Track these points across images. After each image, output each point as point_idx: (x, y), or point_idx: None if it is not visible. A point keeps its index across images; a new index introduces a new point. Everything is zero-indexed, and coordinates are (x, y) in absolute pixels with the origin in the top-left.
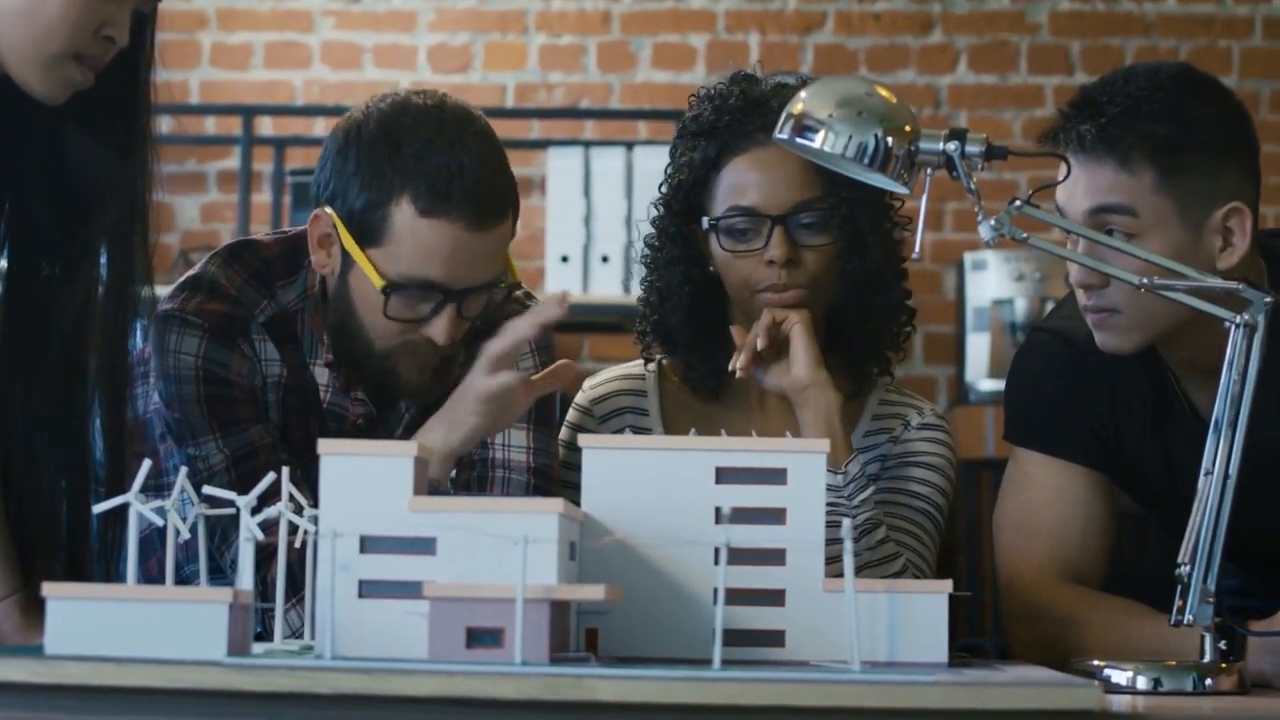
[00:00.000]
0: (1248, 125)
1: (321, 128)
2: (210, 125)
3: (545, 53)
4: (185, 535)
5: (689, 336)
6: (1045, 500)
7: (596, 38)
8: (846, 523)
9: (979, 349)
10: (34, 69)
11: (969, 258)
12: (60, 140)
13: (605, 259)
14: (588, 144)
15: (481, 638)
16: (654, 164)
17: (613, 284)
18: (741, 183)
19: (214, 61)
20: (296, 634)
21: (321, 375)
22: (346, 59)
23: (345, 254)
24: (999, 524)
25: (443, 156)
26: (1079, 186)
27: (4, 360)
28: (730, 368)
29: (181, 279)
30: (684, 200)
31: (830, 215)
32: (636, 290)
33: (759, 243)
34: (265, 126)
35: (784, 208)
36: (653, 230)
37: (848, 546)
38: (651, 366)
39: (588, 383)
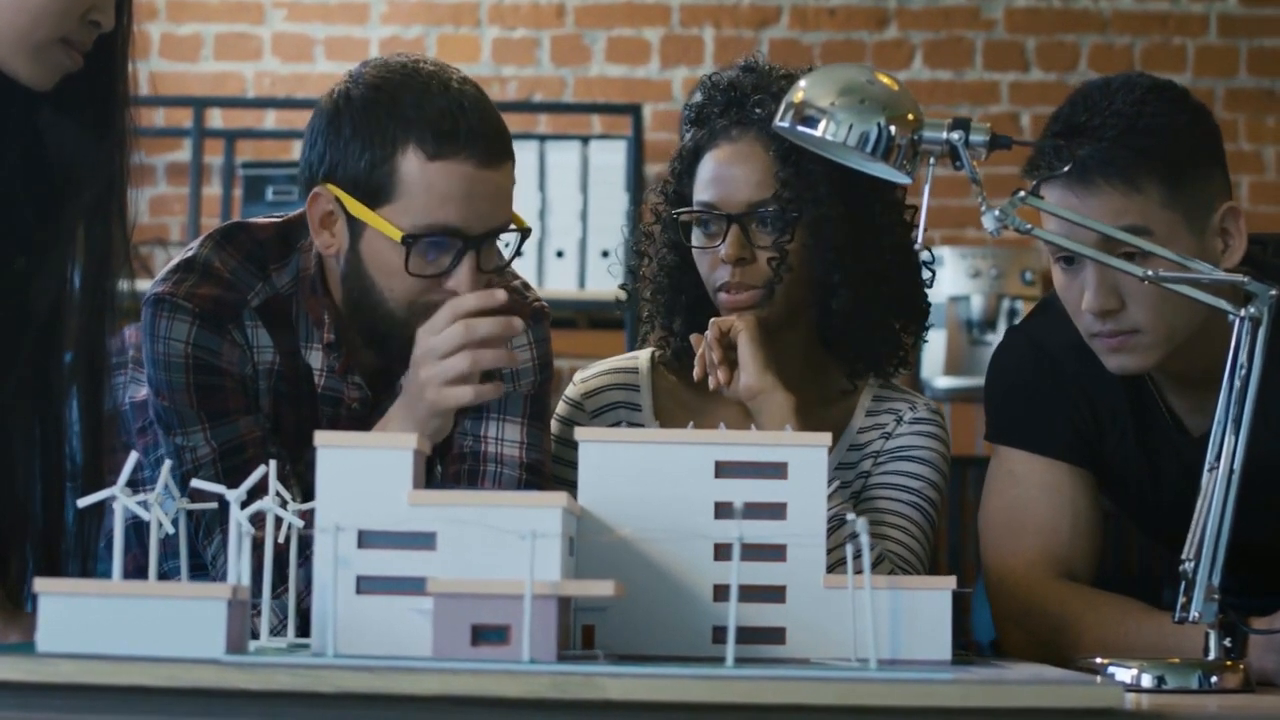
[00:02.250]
0: (1214, 122)
1: (273, 120)
2: (159, 117)
3: (498, 46)
4: (169, 530)
5: (681, 323)
6: (1032, 497)
7: (550, 31)
8: (861, 520)
9: (935, 346)
10: (23, 56)
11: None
12: (36, 122)
13: (560, 254)
14: (542, 138)
15: (487, 635)
16: (609, 158)
17: (568, 279)
18: (708, 178)
19: (164, 53)
20: (273, 631)
21: (316, 359)
22: (298, 51)
23: (353, 223)
24: (985, 523)
25: (441, 101)
26: (1084, 216)
27: None
28: (695, 377)
29: (174, 261)
30: (677, 187)
31: (782, 216)
32: (594, 285)
33: (719, 240)
34: (215, 119)
35: (739, 206)
36: (650, 214)
37: (865, 542)
38: (645, 359)
39: (578, 375)
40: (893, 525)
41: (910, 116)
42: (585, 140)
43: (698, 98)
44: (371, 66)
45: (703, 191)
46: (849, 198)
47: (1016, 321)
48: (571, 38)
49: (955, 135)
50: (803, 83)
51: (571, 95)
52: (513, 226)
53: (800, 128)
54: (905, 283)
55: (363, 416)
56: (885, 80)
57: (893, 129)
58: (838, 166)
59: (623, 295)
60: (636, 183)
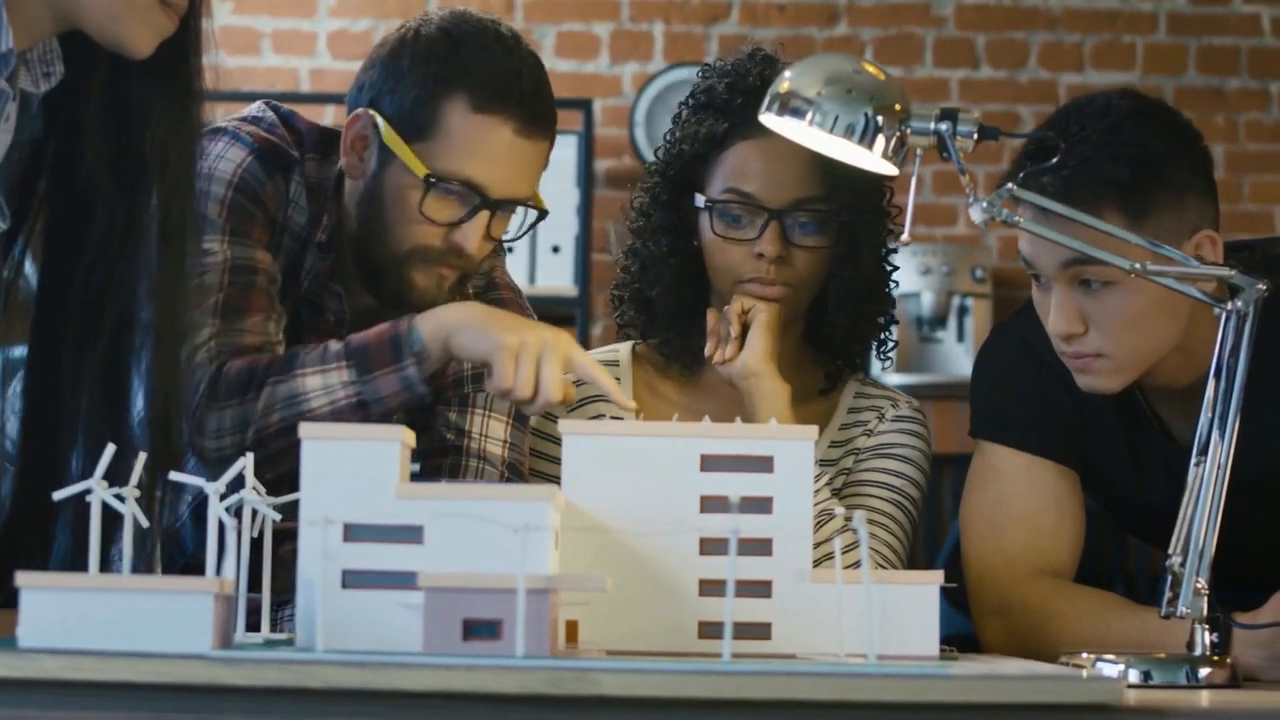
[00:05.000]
0: (1200, 147)
1: (220, 113)
2: None
3: None
4: (144, 523)
5: (668, 310)
6: (1016, 493)
7: None
8: (859, 514)
9: None
10: (125, 19)
11: None
12: (125, 95)
13: (510, 249)
14: None
15: (479, 630)
16: (559, 153)
17: (518, 274)
18: (744, 168)
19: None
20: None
21: (309, 258)
22: (245, 44)
23: (383, 151)
24: (967, 518)
25: (502, 60)
26: (1044, 244)
27: (50, 329)
28: (706, 354)
29: (237, 114)
30: (682, 171)
31: (829, 217)
32: (544, 280)
33: (752, 233)
34: None
35: (783, 202)
36: (643, 196)
37: (863, 536)
38: (625, 352)
39: None
40: (873, 523)
41: (897, 107)
42: None
43: (709, 84)
44: (450, 12)
45: (736, 182)
46: (879, 199)
47: (967, 319)
48: (521, 32)
49: (943, 126)
50: (788, 72)
51: None
52: (531, 205)
53: (786, 118)
54: (887, 279)
55: (336, 333)
56: (872, 70)
57: (880, 119)
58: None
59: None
60: (587, 178)
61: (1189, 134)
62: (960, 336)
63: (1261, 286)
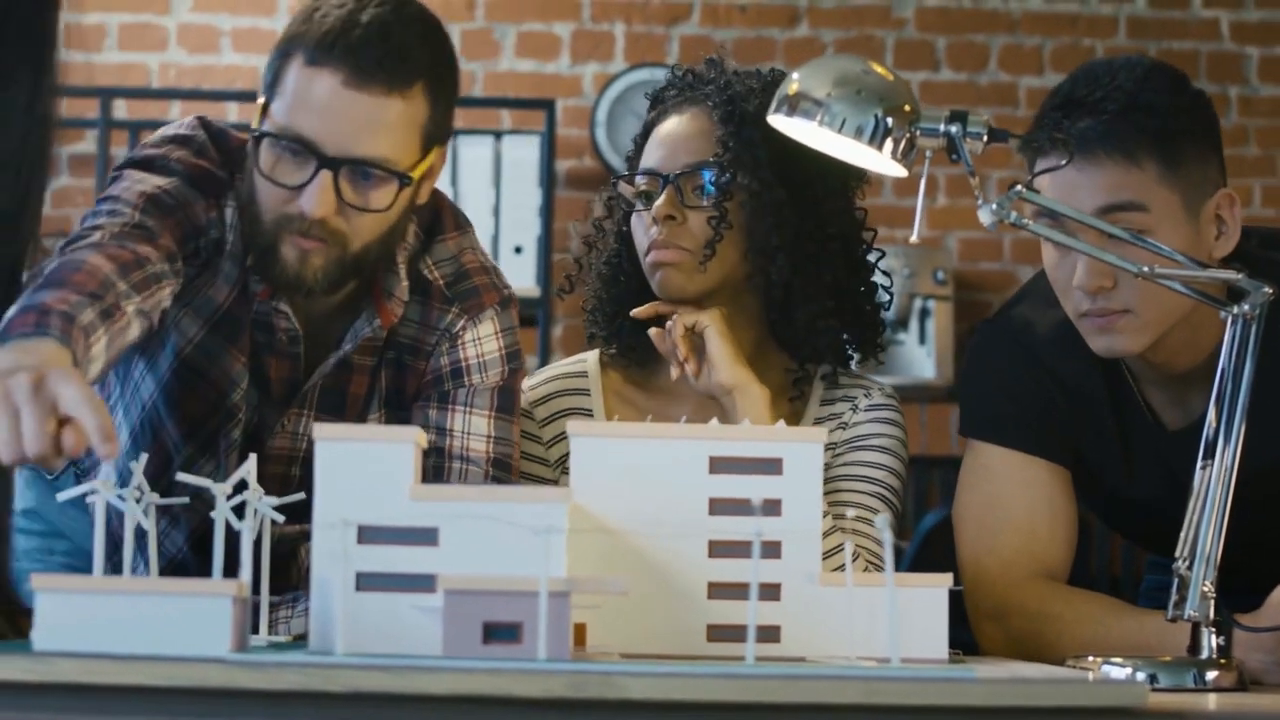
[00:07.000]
0: (1215, 113)
1: (178, 112)
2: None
3: None
4: (146, 526)
5: (617, 313)
6: (1009, 493)
7: (460, 25)
8: (881, 517)
9: None
10: None
11: None
12: None
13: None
14: (453, 133)
15: (498, 633)
16: (521, 153)
17: None
18: (652, 144)
19: (66, 42)
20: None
21: (251, 282)
22: (204, 42)
23: None
24: (960, 518)
25: (347, 18)
26: (1080, 189)
27: None
28: (673, 377)
29: (162, 133)
30: (628, 169)
31: (718, 176)
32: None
33: (656, 203)
34: (119, 110)
35: (677, 167)
36: (600, 204)
37: (888, 539)
38: (593, 360)
39: (526, 383)
40: (859, 519)
41: (907, 108)
42: (498, 135)
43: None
44: None
45: (646, 160)
46: (790, 172)
47: (928, 321)
48: (481, 32)
49: (953, 128)
50: (796, 74)
51: (481, 90)
52: (381, 167)
53: (795, 119)
54: (852, 279)
55: (294, 355)
56: (880, 71)
57: (889, 121)
58: (781, 142)
59: (566, 287)
60: (549, 178)
61: (1203, 94)
62: (922, 339)
63: (1268, 290)
